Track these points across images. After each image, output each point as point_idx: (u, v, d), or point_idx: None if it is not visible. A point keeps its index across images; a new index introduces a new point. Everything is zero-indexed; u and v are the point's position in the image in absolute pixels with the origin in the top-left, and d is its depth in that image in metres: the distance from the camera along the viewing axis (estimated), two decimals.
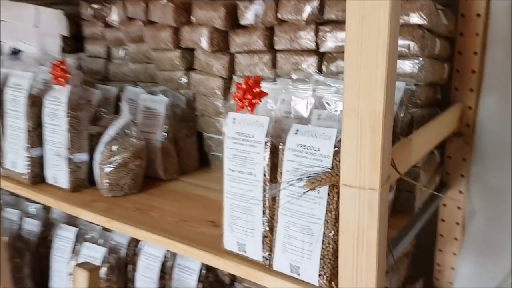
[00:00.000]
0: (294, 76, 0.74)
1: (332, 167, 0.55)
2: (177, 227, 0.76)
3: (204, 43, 0.93)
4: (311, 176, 0.55)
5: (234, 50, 0.92)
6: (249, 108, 0.62)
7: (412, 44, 0.72)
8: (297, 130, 0.59)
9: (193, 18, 0.95)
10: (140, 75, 1.12)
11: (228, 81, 0.95)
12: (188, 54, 1.01)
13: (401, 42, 0.72)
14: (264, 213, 0.63)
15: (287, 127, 0.62)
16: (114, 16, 1.09)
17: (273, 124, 0.62)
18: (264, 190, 0.62)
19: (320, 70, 0.84)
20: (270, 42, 0.88)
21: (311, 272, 0.58)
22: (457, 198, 0.94)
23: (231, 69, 0.94)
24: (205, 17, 0.92)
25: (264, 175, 0.62)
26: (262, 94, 0.62)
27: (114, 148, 0.87)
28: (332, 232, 0.57)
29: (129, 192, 0.89)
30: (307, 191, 0.55)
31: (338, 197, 0.55)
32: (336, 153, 0.55)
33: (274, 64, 0.88)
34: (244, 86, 0.62)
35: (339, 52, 0.81)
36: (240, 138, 0.63)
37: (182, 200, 0.87)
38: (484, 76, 0.88)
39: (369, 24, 0.47)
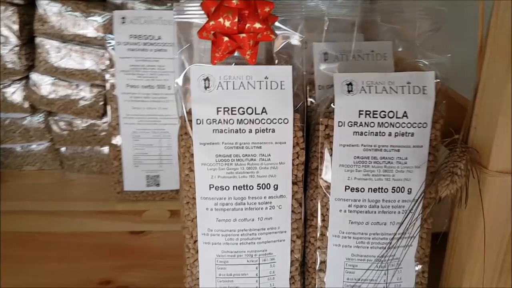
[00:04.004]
0: None
1: (432, 149, 0.31)
2: None
3: None
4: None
5: None
6: (249, 53, 0.29)
7: None
8: (349, 82, 0.31)
9: None
10: None
11: (27, 9, 0.51)
12: None
13: None
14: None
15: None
16: None
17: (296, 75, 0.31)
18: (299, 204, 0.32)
19: None
20: None
21: None
22: None
23: None
24: None
25: (295, 176, 0.31)
26: (271, 19, 0.29)
27: None
28: None
29: None
30: (442, 198, 0.29)
31: None
32: (437, 116, 0.31)
33: None
34: (234, 2, 0.27)
35: None
36: (232, 117, 0.30)
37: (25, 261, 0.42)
38: None
39: None
